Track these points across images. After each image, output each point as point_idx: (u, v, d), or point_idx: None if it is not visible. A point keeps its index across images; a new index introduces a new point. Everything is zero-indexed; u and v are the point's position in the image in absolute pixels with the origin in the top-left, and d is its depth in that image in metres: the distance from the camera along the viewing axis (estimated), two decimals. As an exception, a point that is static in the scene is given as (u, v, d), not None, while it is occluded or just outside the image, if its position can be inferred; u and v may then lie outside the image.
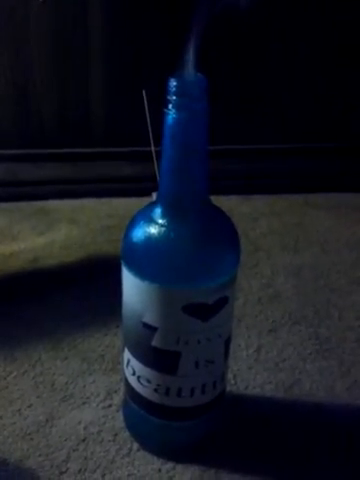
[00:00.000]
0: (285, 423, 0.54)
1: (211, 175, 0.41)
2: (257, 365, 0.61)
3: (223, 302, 0.43)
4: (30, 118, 0.97)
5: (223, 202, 0.89)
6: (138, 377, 0.46)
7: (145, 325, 0.43)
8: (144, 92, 0.41)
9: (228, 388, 0.54)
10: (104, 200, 0.97)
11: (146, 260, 0.42)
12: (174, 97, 0.37)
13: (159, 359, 0.44)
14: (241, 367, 0.60)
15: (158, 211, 0.42)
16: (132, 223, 0.43)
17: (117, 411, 0.55)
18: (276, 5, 0.92)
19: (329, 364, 0.61)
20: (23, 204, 0.96)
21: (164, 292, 0.41)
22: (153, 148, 0.45)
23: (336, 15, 0.94)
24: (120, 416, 0.54)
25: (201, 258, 0.41)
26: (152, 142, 0.44)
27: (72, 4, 0.91)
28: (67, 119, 0.98)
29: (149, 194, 0.97)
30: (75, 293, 0.72)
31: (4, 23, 0.90)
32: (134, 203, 0.95)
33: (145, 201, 0.94)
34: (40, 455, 0.50)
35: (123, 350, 0.48)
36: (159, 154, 0.41)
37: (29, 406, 0.55)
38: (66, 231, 0.87)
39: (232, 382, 0.58)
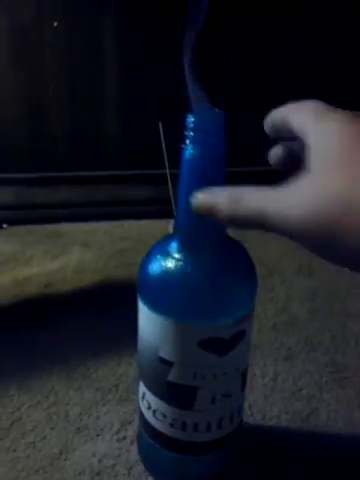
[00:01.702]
0: (302, 454, 0.53)
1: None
2: (273, 394, 0.60)
3: (240, 336, 0.42)
4: (44, 141, 0.98)
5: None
6: (154, 411, 0.46)
7: (161, 359, 0.43)
8: (161, 124, 0.40)
9: (245, 418, 0.53)
10: (117, 223, 0.97)
11: (162, 294, 0.41)
12: (191, 133, 0.37)
13: (175, 394, 0.44)
14: (257, 397, 0.59)
15: (174, 245, 0.41)
16: (148, 256, 0.43)
17: (131, 443, 0.54)
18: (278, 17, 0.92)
19: (346, 393, 0.60)
20: (36, 227, 0.96)
21: (180, 327, 0.40)
22: (168, 171, 0.44)
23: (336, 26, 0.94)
24: (134, 448, 0.53)
25: (218, 293, 0.41)
26: (167, 164, 0.43)
27: (87, 27, 0.91)
28: (81, 142, 0.99)
29: (162, 217, 0.97)
30: (88, 319, 0.72)
31: (19, 45, 0.91)
32: (147, 226, 0.96)
33: (158, 224, 0.95)
34: (54, 489, 0.49)
35: (138, 383, 0.48)
36: (174, 178, 0.40)
37: (43, 438, 0.54)
38: (79, 255, 0.87)
39: (248, 413, 0.57)
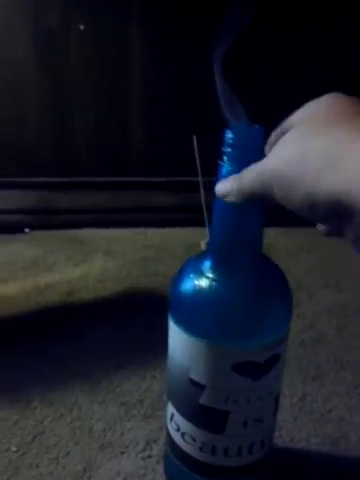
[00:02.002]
0: (332, 478, 0.52)
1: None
2: (302, 416, 0.58)
3: (275, 360, 0.41)
4: (68, 146, 0.97)
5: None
6: (182, 434, 0.44)
7: (192, 382, 0.41)
8: (195, 138, 0.39)
9: (273, 440, 0.51)
10: (140, 230, 0.96)
11: (195, 315, 0.40)
12: (229, 149, 0.35)
13: (206, 417, 0.42)
14: (286, 418, 0.58)
15: (208, 263, 0.40)
16: (180, 274, 0.41)
17: (157, 463, 0.52)
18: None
19: (378, 416, 0.58)
20: (58, 232, 0.95)
21: (213, 349, 0.39)
22: (201, 179, 0.43)
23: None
24: (160, 469, 0.52)
25: (253, 315, 0.39)
26: (200, 172, 0.42)
27: (112, 31, 0.90)
28: (105, 147, 0.98)
29: (186, 225, 0.96)
30: (111, 329, 0.70)
31: (44, 52, 0.90)
32: (171, 234, 0.95)
33: (181, 232, 0.93)
34: (78, 509, 0.48)
35: (167, 402, 0.46)
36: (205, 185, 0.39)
37: (66, 454, 0.53)
38: (102, 263, 0.86)
39: (277, 434, 0.55)
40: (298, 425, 0.57)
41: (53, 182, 0.98)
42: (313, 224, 1.00)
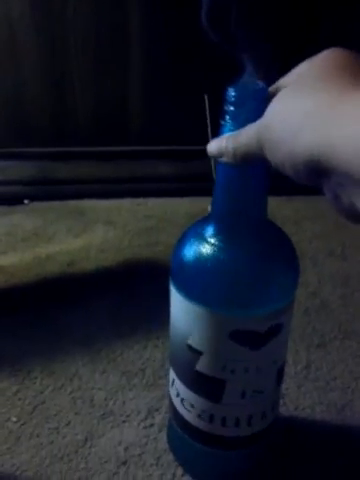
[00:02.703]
0: (337, 447, 0.51)
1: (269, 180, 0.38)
2: (307, 383, 0.57)
3: (277, 330, 0.39)
4: (67, 116, 0.95)
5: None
6: (182, 400, 0.44)
7: (190, 347, 0.40)
8: (206, 97, 0.37)
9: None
10: (141, 200, 0.95)
11: (194, 280, 0.38)
12: (231, 107, 0.34)
13: (203, 385, 0.41)
14: (290, 385, 0.57)
15: (211, 229, 0.38)
16: (182, 240, 0.40)
17: (159, 431, 0.52)
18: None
19: (383, 383, 0.58)
20: (58, 203, 0.94)
21: (211, 316, 0.38)
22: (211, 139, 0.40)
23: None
24: (163, 437, 0.51)
25: (254, 283, 0.37)
26: (210, 132, 0.40)
27: (111, 1, 0.88)
28: (104, 117, 0.95)
29: (187, 195, 0.94)
30: (112, 300, 0.69)
31: (42, 21, 0.87)
32: (172, 204, 0.93)
33: (183, 202, 0.92)
34: (79, 478, 0.47)
35: (169, 369, 0.45)
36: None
37: (67, 424, 0.52)
38: (103, 233, 0.85)
39: (281, 402, 0.54)
40: (303, 393, 0.56)
41: (52, 152, 0.96)
42: (316, 192, 0.99)
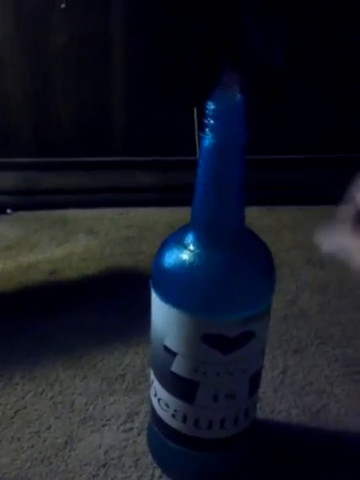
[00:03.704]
0: (312, 450, 0.52)
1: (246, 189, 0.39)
2: (283, 388, 0.59)
3: (248, 337, 0.40)
4: (50, 126, 0.96)
5: (245, 214, 0.86)
6: (158, 399, 0.45)
7: (166, 348, 0.41)
8: (195, 110, 0.39)
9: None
10: (123, 210, 0.96)
11: (170, 283, 0.40)
12: (211, 121, 0.35)
13: (177, 385, 0.43)
14: (267, 390, 0.58)
15: (190, 235, 0.40)
16: (163, 245, 0.42)
17: (138, 435, 0.53)
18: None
19: (357, 387, 0.59)
20: (41, 213, 0.95)
21: (185, 319, 0.39)
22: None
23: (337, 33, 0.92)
24: (141, 440, 0.52)
25: (225, 289, 0.39)
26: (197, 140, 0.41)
27: (94, 10, 0.90)
28: (87, 127, 0.97)
29: (168, 205, 0.96)
30: (94, 307, 0.70)
31: (25, 29, 0.89)
32: (153, 213, 0.95)
33: (164, 212, 0.93)
34: (59, 480, 0.48)
35: (150, 369, 0.46)
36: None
37: (48, 428, 0.53)
38: (85, 242, 0.86)
39: (258, 406, 0.55)
40: (279, 397, 0.58)
41: (35, 162, 0.97)
42: (296, 203, 1.01)
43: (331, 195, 0.98)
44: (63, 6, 0.89)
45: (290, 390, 0.58)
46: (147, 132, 0.98)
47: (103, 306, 0.70)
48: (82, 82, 0.94)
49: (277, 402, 0.57)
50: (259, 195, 0.97)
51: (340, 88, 0.97)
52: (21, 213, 0.95)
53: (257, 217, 0.93)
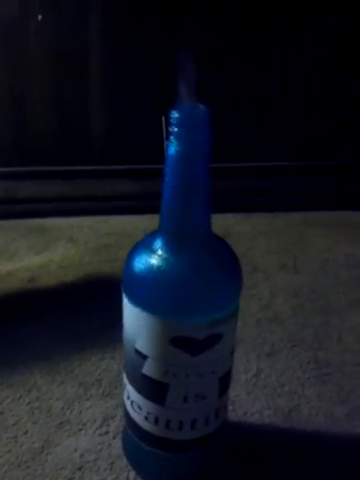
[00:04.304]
0: (284, 450, 0.53)
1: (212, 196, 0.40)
2: (256, 390, 0.60)
3: (215, 339, 0.42)
4: (28, 135, 0.97)
5: (220, 221, 0.88)
6: (131, 402, 0.46)
7: (137, 351, 0.43)
8: (163, 118, 0.40)
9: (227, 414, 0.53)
10: (102, 218, 0.97)
11: (139, 287, 0.41)
12: (175, 128, 0.37)
13: (148, 387, 0.44)
14: (240, 392, 0.60)
15: (158, 240, 0.41)
16: (132, 251, 0.43)
17: (114, 438, 0.54)
18: (276, 26, 0.93)
19: (328, 389, 0.61)
20: (20, 222, 0.96)
21: (153, 321, 0.40)
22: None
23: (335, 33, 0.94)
24: (117, 443, 0.53)
25: (192, 292, 0.40)
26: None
27: (71, 21, 0.91)
28: (65, 136, 0.98)
29: (146, 213, 0.97)
30: (72, 314, 0.71)
31: (2, 40, 0.90)
32: (132, 221, 0.96)
33: (142, 219, 0.94)
34: (36, 484, 0.49)
35: (123, 372, 0.48)
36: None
37: (25, 433, 0.54)
38: (64, 250, 0.87)
39: (231, 408, 0.57)
40: (252, 399, 0.59)
41: (14, 172, 0.98)
42: (271, 210, 1.02)
43: (305, 202, 1.00)
44: (40, 17, 0.90)
45: (263, 392, 0.60)
46: (125, 141, 0.99)
47: (80, 313, 0.72)
48: (60, 91, 0.95)
49: (250, 404, 0.58)
50: (235, 202, 0.99)
51: (310, 95, 0.99)
52: (0, 222, 0.95)
53: (233, 224, 0.94)
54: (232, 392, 0.59)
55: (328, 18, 0.93)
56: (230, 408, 0.57)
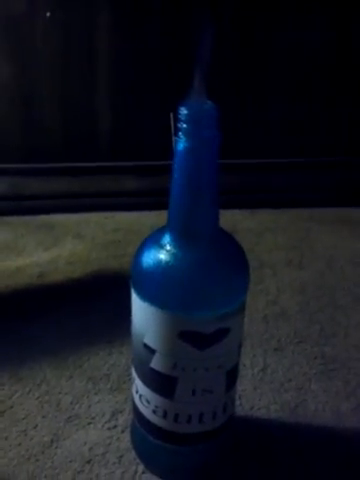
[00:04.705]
0: (290, 445, 0.54)
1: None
2: (262, 385, 0.61)
3: (223, 333, 0.42)
4: (36, 132, 0.98)
5: (228, 217, 0.89)
6: (140, 396, 0.47)
7: (145, 346, 0.43)
8: (172, 115, 0.40)
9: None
10: (109, 214, 0.98)
11: (148, 282, 0.42)
12: (184, 125, 0.37)
13: (157, 381, 0.44)
14: (247, 387, 0.60)
15: (166, 236, 0.42)
16: (141, 246, 0.44)
17: (122, 432, 0.54)
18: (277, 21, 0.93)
19: (334, 384, 0.61)
20: (28, 218, 0.96)
21: (161, 316, 0.41)
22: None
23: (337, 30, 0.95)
24: (125, 437, 0.54)
25: (200, 287, 0.41)
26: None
27: (79, 19, 0.91)
28: (73, 133, 0.99)
29: (153, 209, 0.98)
30: (80, 310, 0.72)
31: (10, 38, 0.90)
32: (139, 217, 0.97)
33: (149, 215, 0.95)
34: (46, 477, 0.50)
35: (132, 367, 0.48)
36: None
37: (34, 427, 0.55)
38: (71, 246, 0.88)
39: (237, 402, 0.57)
40: (259, 394, 0.59)
41: (22, 168, 0.99)
42: (278, 206, 1.03)
43: (312, 198, 1.00)
44: (48, 15, 0.90)
45: (270, 387, 0.60)
46: (132, 137, 1.00)
47: (88, 308, 0.72)
48: (68, 88, 0.96)
49: (257, 399, 0.59)
50: (242, 198, 0.99)
51: (315, 91, 0.99)
52: (9, 218, 0.96)
53: (240, 220, 0.95)
54: (239, 387, 0.59)
55: (327, 16, 0.93)
56: (237, 402, 0.57)
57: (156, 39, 0.93)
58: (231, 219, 0.93)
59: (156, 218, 0.94)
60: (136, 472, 0.50)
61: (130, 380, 0.59)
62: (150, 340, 0.42)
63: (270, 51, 0.95)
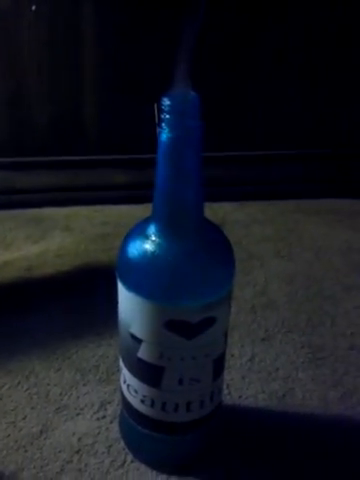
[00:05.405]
0: (278, 434, 0.54)
1: (204, 182, 0.41)
2: (250, 374, 0.61)
3: (209, 322, 0.42)
4: (24, 126, 0.98)
5: (216, 209, 0.90)
6: (127, 386, 0.47)
7: (132, 336, 0.44)
8: (156, 105, 0.41)
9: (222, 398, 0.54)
10: (98, 207, 0.98)
11: (133, 272, 0.42)
12: (167, 115, 0.37)
13: (144, 371, 0.45)
14: (235, 376, 0.60)
15: (151, 226, 0.42)
16: (127, 237, 0.44)
17: (111, 422, 0.55)
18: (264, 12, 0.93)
19: (322, 373, 0.62)
20: (17, 212, 0.96)
21: (147, 306, 0.41)
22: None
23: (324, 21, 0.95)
24: (114, 427, 0.54)
25: (185, 277, 0.41)
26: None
27: (65, 12, 0.91)
28: (61, 127, 0.99)
29: (141, 202, 0.97)
30: (69, 303, 0.72)
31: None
32: (127, 210, 0.97)
33: (137, 209, 0.95)
34: (34, 467, 0.50)
35: (119, 357, 0.49)
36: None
37: (23, 418, 0.55)
38: (60, 239, 0.88)
39: (226, 392, 0.58)
40: (246, 383, 0.60)
41: (10, 162, 0.99)
42: (266, 198, 1.03)
43: (300, 190, 1.01)
44: (34, 8, 0.90)
45: (257, 376, 0.61)
46: (121, 131, 1.00)
47: (77, 301, 0.72)
48: (55, 82, 0.95)
49: (245, 388, 0.59)
50: (230, 191, 1.00)
51: (306, 83, 1.00)
52: (-3, 212, 0.96)
53: (228, 212, 0.95)
54: (227, 376, 0.60)
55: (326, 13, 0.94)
56: (225, 392, 0.58)
57: (143, 32, 0.92)
58: (220, 211, 0.94)
59: (145, 211, 0.93)
60: (125, 462, 0.51)
61: (118, 371, 0.59)
62: (136, 330, 0.43)
63: (264, 40, 0.96)
